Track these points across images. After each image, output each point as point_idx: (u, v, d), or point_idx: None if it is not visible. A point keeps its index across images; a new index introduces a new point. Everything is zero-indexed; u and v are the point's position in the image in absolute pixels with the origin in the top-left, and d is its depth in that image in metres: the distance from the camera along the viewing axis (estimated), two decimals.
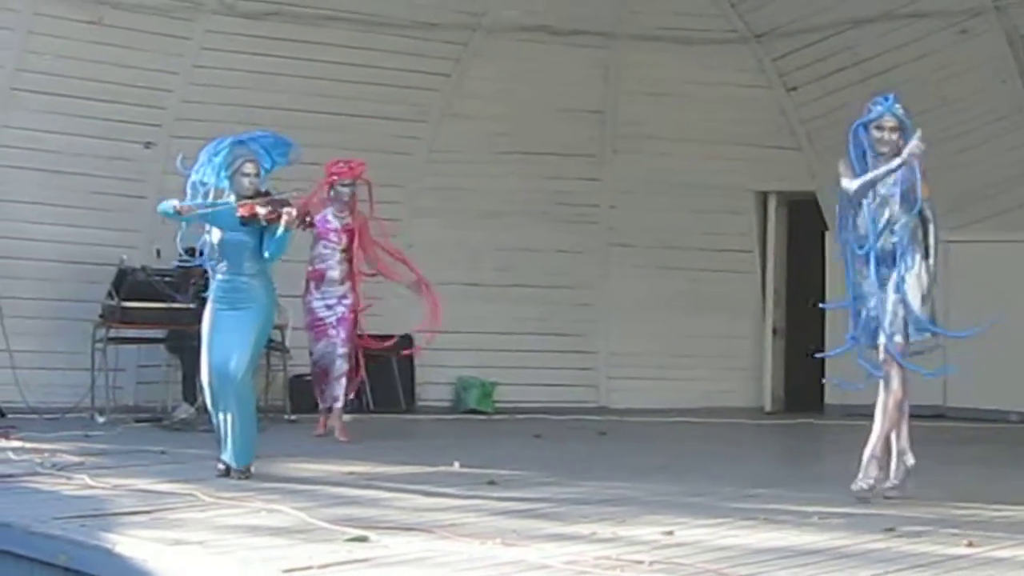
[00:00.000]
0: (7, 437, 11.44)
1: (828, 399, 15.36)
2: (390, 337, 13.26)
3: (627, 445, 12.74)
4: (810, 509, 8.34)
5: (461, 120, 15.76)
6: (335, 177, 12.37)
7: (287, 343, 14.07)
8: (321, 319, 12.31)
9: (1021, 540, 7.43)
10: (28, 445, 10.94)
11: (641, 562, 6.67)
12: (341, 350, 12.23)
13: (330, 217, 12.38)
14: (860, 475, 8.80)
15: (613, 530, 7.57)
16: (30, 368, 13.62)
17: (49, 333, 14.00)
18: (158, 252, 13.95)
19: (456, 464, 10.26)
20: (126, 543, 6.98)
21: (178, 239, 10.18)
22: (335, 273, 12.32)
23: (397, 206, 15.02)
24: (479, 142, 15.76)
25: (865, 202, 8.93)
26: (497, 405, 15.30)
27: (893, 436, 8.97)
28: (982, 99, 15.02)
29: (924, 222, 8.98)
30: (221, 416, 9.56)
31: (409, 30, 15.28)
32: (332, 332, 12.25)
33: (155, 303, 13.35)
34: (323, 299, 12.31)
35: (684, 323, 16.12)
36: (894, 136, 8.90)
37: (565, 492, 9.13)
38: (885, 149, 8.91)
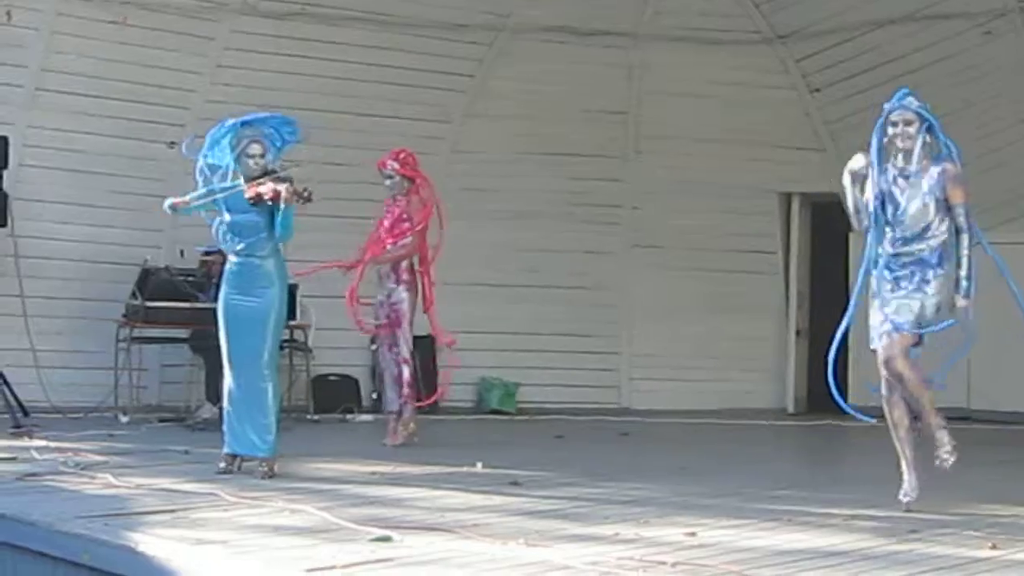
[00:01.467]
0: (31, 436, 11.48)
1: (852, 400, 15.29)
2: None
3: (649, 446, 12.73)
4: (834, 511, 8.32)
5: (484, 121, 15.77)
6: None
7: (310, 343, 14.10)
8: (376, 317, 11.97)
9: None
10: (52, 444, 10.95)
11: (664, 563, 6.66)
12: (388, 354, 11.94)
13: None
14: (939, 448, 8.61)
15: (636, 531, 7.56)
16: (54, 367, 13.67)
17: (73, 332, 14.05)
18: (181, 252, 13.99)
19: (479, 464, 10.25)
20: (149, 542, 6.98)
21: (215, 228, 9.96)
22: (382, 268, 11.98)
23: None
24: (502, 143, 15.76)
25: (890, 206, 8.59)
26: (519, 406, 15.32)
27: (907, 446, 8.69)
28: (1007, 100, 14.99)
29: (957, 231, 8.60)
30: (238, 407, 9.57)
31: (433, 30, 15.30)
32: (383, 333, 11.95)
33: (178, 303, 13.37)
34: (378, 297, 11.97)
35: (707, 324, 16.11)
36: (910, 129, 8.45)
37: (587, 493, 9.12)
38: (902, 144, 8.49)
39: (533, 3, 15.65)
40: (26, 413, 12.77)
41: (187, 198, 9.84)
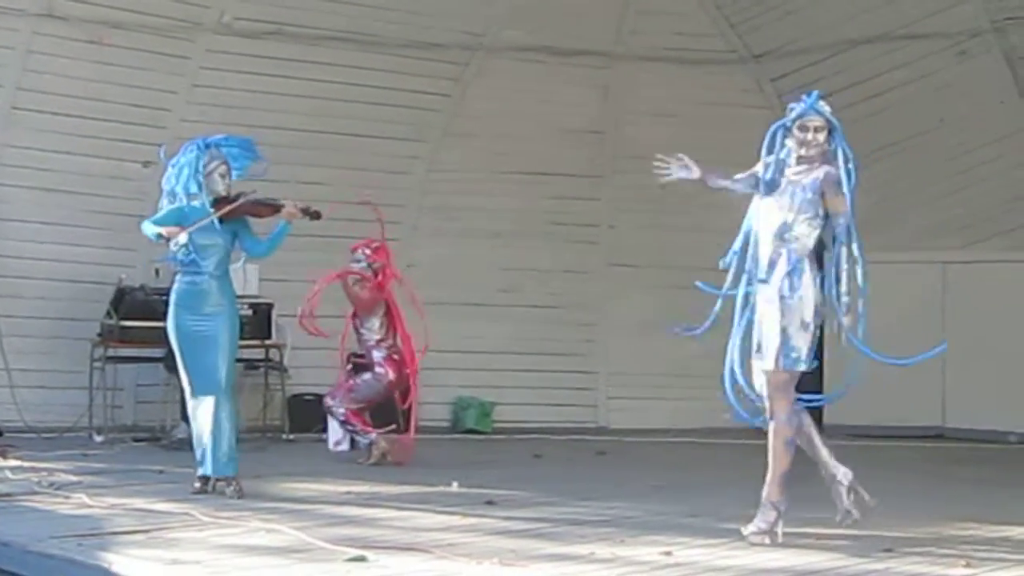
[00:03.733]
0: (5, 456, 11.43)
1: (828, 419, 15.33)
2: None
3: (626, 465, 12.73)
4: (809, 530, 8.33)
5: (461, 140, 15.77)
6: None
7: (285, 362, 14.08)
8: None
9: (1019, 561, 7.42)
10: (26, 464, 10.93)
11: None
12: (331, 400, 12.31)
13: None
14: (757, 518, 8.07)
15: (612, 550, 7.56)
16: (28, 387, 13.62)
17: (48, 352, 13.99)
18: (157, 271, 13.94)
19: (454, 484, 10.26)
20: (123, 563, 6.96)
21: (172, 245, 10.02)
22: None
23: (397, 226, 15.03)
24: (479, 162, 15.77)
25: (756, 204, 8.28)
26: (496, 425, 15.29)
27: (823, 466, 8.21)
28: (982, 119, 15.05)
29: (835, 241, 7.96)
30: (205, 428, 9.57)
31: (409, 50, 15.29)
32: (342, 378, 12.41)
33: (153, 322, 13.25)
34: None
35: (684, 343, 15.94)
36: (820, 137, 8.03)
37: (564, 512, 9.12)
38: (810, 152, 8.03)
39: (509, 22, 15.67)
40: (0, 433, 12.73)
41: (175, 228, 9.71)
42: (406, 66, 15.32)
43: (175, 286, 9.81)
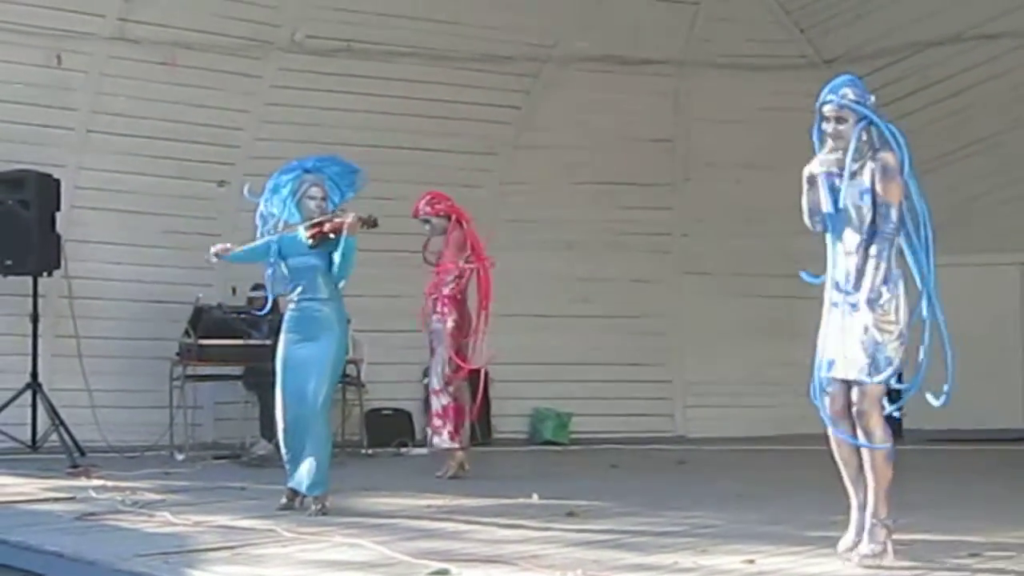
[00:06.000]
0: (88, 476, 11.53)
1: (907, 424, 15.22)
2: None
3: (706, 474, 12.69)
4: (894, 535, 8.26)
5: (532, 152, 15.80)
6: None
7: (363, 377, 14.13)
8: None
9: None
10: (109, 483, 11.00)
11: None
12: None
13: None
14: (866, 541, 7.38)
15: (694, 560, 7.53)
16: (109, 407, 13.73)
17: (127, 372, 14.12)
18: (234, 289, 14.07)
19: (535, 496, 10.24)
20: None
21: (267, 275, 9.85)
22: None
23: None
24: (551, 173, 15.79)
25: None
26: (573, 436, 15.29)
27: (859, 489, 7.62)
28: None
29: (875, 231, 7.36)
30: (296, 447, 9.57)
31: (479, 63, 15.35)
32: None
33: (231, 340, 13.42)
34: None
35: (760, 350, 16.05)
36: (841, 127, 7.28)
37: (645, 522, 9.09)
38: (835, 142, 7.39)
39: (578, 33, 15.69)
40: (83, 453, 12.86)
41: (231, 247, 9.77)
42: (476, 80, 15.38)
43: (286, 314, 9.76)
